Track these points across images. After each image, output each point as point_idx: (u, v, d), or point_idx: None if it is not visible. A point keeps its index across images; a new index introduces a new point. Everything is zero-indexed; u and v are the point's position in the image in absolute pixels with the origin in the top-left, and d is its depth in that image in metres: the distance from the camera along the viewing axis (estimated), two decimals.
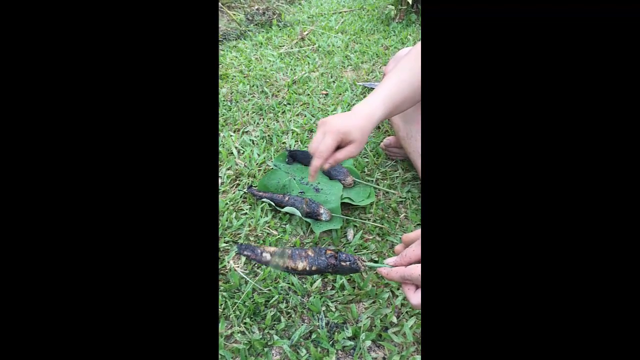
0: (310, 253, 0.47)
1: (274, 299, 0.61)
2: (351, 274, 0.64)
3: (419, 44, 0.70)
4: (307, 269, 0.47)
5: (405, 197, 0.81)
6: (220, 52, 1.60)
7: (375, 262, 0.66)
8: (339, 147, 0.59)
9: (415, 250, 0.41)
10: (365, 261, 0.48)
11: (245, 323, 0.58)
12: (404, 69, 0.63)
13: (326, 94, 1.24)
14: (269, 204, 0.78)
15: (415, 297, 0.40)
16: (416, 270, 0.39)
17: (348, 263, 0.47)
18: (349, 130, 0.57)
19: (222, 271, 0.66)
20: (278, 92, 1.27)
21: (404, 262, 0.42)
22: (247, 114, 1.14)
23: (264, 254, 0.48)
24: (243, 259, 0.68)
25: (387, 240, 0.71)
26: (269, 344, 0.55)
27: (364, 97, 1.21)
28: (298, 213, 0.73)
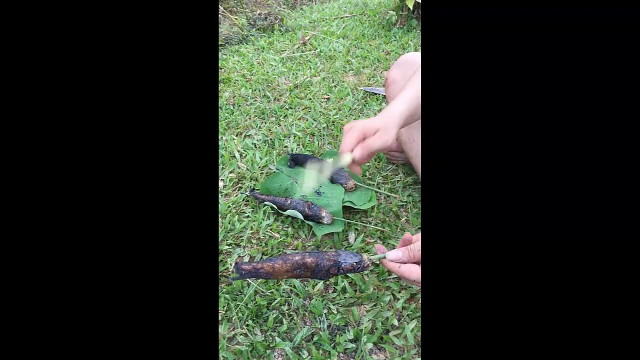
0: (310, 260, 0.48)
1: (276, 301, 0.61)
2: (353, 278, 0.64)
3: None
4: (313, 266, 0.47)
5: (406, 201, 0.81)
6: (223, 57, 1.61)
7: (376, 265, 0.67)
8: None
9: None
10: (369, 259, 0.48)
11: (247, 325, 0.58)
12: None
13: (328, 99, 1.25)
14: (271, 207, 0.79)
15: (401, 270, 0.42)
16: (410, 275, 0.41)
17: (352, 266, 0.47)
18: (370, 125, 0.57)
19: (224, 274, 0.67)
20: (280, 96, 1.28)
21: (410, 260, 0.42)
22: (250, 118, 1.15)
23: (261, 270, 0.48)
24: (246, 260, 0.68)
25: (388, 243, 0.72)
26: (271, 346, 0.56)
27: (365, 101, 1.22)
28: (300, 216, 0.74)
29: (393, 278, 0.64)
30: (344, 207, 0.77)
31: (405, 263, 0.43)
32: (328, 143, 1.01)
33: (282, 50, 1.66)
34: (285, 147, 1.00)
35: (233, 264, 0.47)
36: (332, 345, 0.55)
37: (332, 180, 0.83)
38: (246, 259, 0.69)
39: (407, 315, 0.59)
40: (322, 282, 0.64)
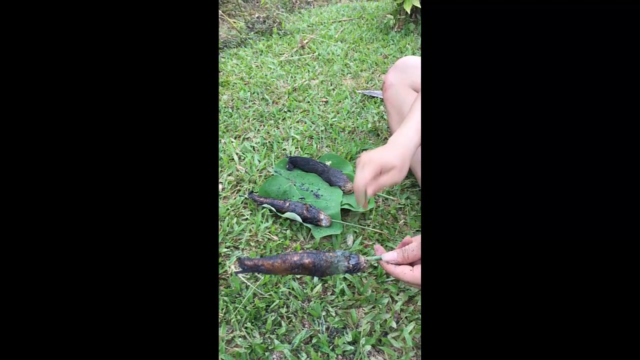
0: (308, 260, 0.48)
1: (274, 303, 0.61)
2: (351, 280, 0.65)
3: None
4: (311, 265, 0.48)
5: (404, 204, 0.81)
6: (221, 60, 1.62)
7: (375, 267, 0.67)
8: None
9: (415, 250, 0.43)
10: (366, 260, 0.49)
11: (246, 327, 0.58)
12: None
13: (326, 102, 1.25)
14: (270, 210, 0.79)
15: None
16: (405, 276, 0.43)
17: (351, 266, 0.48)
18: (387, 160, 0.59)
19: (223, 276, 0.67)
20: (278, 99, 1.28)
21: (404, 261, 0.43)
22: (248, 121, 1.15)
23: (262, 267, 0.49)
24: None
25: (386, 246, 0.72)
26: (269, 348, 0.56)
27: (363, 104, 1.22)
28: (298, 219, 0.74)
29: (391, 280, 0.65)
30: (342, 209, 0.77)
31: (400, 264, 0.44)
32: (326, 146, 1.02)
33: (281, 54, 1.67)
34: (284, 149, 1.00)
35: (236, 260, 0.48)
36: (330, 347, 0.56)
37: (331, 183, 0.83)
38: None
39: (406, 317, 0.59)
40: (320, 284, 0.64)
